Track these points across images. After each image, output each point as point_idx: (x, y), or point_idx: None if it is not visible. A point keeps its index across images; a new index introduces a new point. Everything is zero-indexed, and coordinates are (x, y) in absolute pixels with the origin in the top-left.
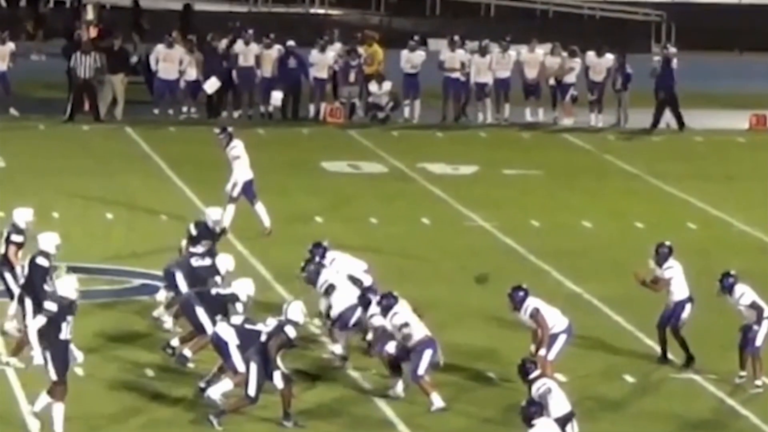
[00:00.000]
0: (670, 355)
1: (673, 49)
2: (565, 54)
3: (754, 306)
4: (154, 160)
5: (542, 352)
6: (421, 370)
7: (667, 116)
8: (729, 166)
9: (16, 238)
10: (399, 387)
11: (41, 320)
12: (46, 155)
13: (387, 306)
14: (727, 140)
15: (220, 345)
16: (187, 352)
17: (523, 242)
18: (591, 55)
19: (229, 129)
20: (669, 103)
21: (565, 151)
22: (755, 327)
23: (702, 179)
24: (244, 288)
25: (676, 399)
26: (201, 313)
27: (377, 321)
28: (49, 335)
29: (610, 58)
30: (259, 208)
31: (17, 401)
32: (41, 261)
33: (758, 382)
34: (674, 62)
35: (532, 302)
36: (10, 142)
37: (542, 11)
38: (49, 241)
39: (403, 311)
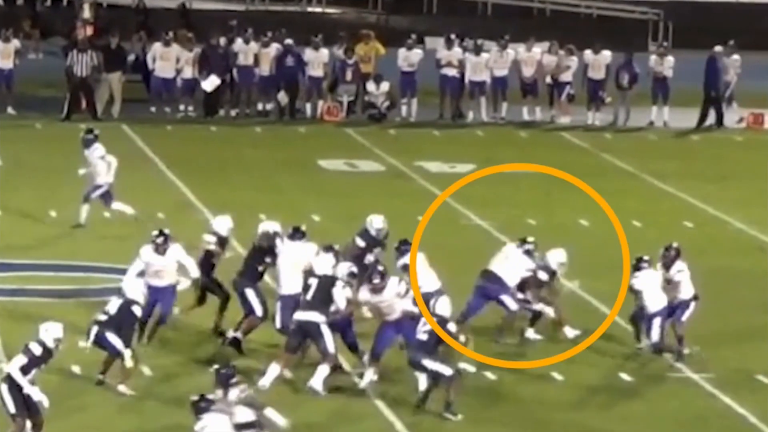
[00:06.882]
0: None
1: (719, 48)
2: (562, 52)
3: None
4: (151, 158)
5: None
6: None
7: (660, 113)
8: (726, 164)
9: (210, 238)
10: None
11: None
12: (43, 154)
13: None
14: (724, 139)
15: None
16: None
17: None
18: (588, 53)
19: (96, 131)
20: (713, 102)
21: (562, 150)
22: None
23: (699, 178)
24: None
25: (672, 397)
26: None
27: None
28: None
29: (607, 54)
30: (116, 205)
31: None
32: (208, 237)
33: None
34: (723, 60)
35: (407, 260)
36: (7, 140)
37: (539, 9)
38: (222, 223)
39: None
